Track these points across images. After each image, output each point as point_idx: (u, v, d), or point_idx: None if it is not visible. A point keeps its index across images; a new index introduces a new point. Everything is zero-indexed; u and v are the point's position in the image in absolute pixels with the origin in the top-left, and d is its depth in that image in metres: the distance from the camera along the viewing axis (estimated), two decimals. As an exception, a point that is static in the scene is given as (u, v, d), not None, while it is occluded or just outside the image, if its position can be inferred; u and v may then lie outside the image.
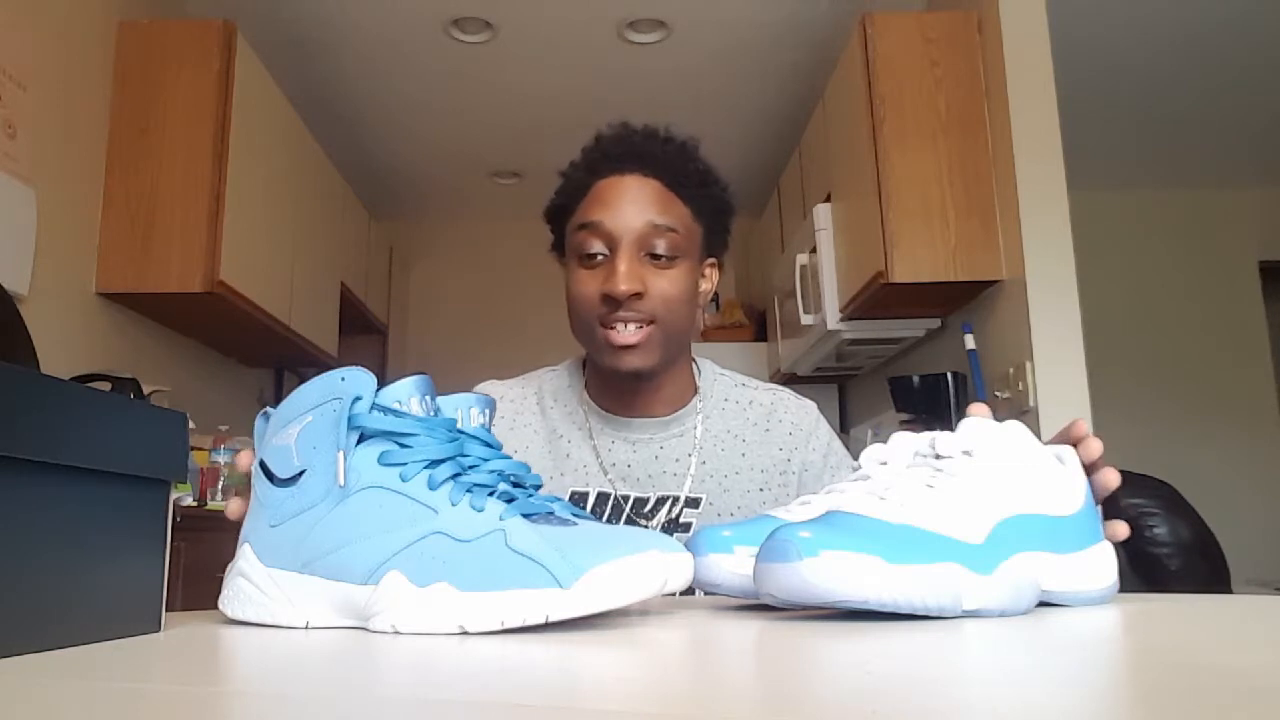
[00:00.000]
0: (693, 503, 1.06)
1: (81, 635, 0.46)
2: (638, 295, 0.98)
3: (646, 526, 1.04)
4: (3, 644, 0.41)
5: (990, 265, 2.56)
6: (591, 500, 1.06)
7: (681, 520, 1.06)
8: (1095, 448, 0.70)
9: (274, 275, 3.13)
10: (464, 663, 0.41)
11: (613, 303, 0.98)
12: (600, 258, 1.01)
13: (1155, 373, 4.41)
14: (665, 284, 1.00)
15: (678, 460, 1.08)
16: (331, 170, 3.80)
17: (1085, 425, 0.71)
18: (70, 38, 2.51)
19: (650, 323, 1.00)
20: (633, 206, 1.00)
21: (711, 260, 1.11)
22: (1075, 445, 0.70)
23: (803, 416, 1.14)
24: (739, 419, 1.12)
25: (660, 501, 1.06)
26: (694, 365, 1.15)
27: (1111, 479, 0.70)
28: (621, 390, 1.08)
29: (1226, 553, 1.78)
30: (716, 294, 4.07)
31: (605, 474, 1.07)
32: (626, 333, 0.99)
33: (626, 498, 1.06)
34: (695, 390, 1.12)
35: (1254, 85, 3.62)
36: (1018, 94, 2.51)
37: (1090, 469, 0.70)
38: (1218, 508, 2.02)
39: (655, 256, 1.00)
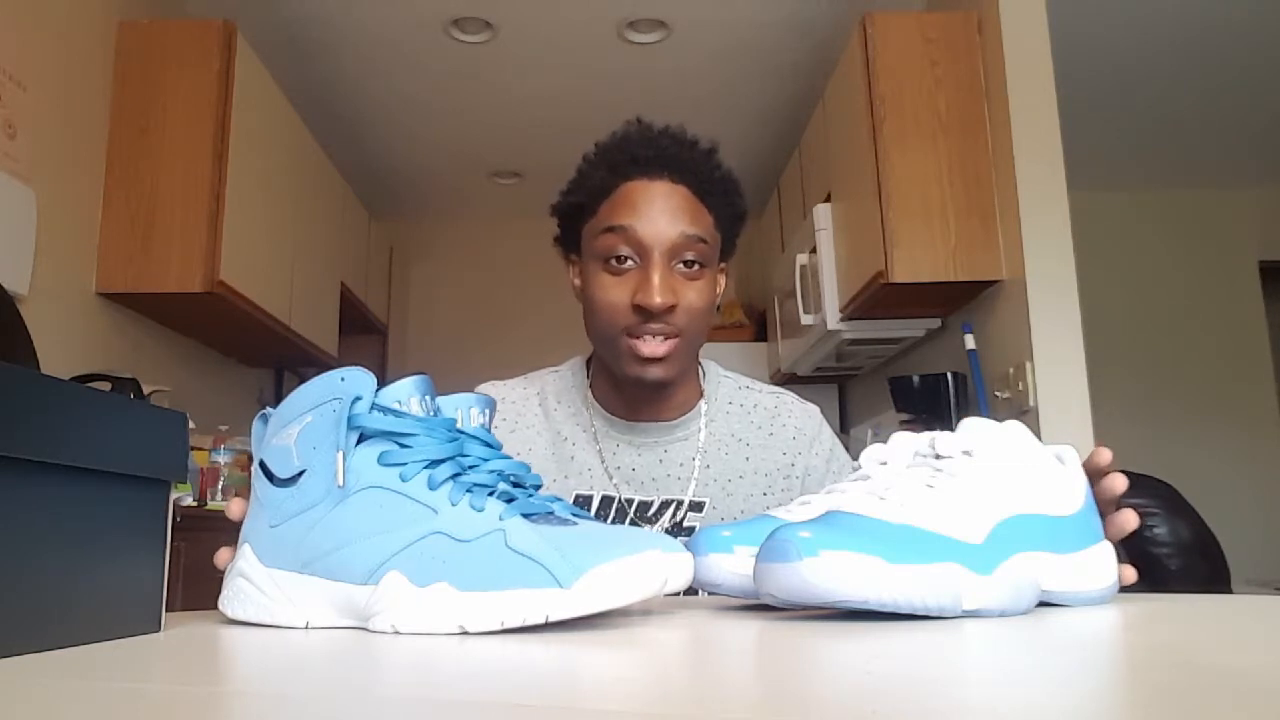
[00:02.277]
0: (696, 506, 1.06)
1: (81, 635, 0.46)
2: (670, 308, 0.97)
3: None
4: (3, 644, 0.41)
5: (990, 265, 2.56)
6: (595, 503, 1.05)
7: (685, 524, 1.05)
8: (1105, 456, 0.71)
9: (274, 275, 3.13)
10: (464, 663, 0.41)
11: (645, 314, 0.97)
12: (629, 263, 0.98)
13: (1155, 373, 4.41)
14: (694, 295, 0.99)
15: (682, 464, 1.07)
16: (331, 170, 3.80)
17: (1107, 454, 0.71)
18: (70, 38, 2.51)
19: (677, 335, 0.99)
20: (665, 215, 0.98)
21: (722, 265, 1.10)
22: (1099, 474, 0.70)
23: (806, 421, 1.13)
24: (743, 422, 1.11)
25: (664, 505, 1.06)
26: (699, 368, 1.14)
27: (1119, 484, 0.70)
28: (632, 396, 1.07)
29: (1226, 553, 1.78)
30: (716, 294, 4.09)
31: (610, 478, 1.07)
32: (654, 344, 0.98)
33: (630, 501, 1.06)
34: (700, 393, 1.12)
35: (1254, 85, 3.62)
36: (1018, 94, 2.51)
37: (1097, 475, 0.70)
38: (1218, 508, 2.02)
39: (686, 266, 0.99)
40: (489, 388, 1.14)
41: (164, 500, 0.53)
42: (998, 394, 2.59)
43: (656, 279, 0.96)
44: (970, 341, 2.71)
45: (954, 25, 2.69)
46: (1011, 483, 0.62)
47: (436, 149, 4.23)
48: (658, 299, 0.95)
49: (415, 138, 4.11)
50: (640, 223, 0.98)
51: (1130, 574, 0.70)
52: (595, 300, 1.01)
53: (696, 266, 0.99)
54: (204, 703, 0.33)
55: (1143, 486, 1.76)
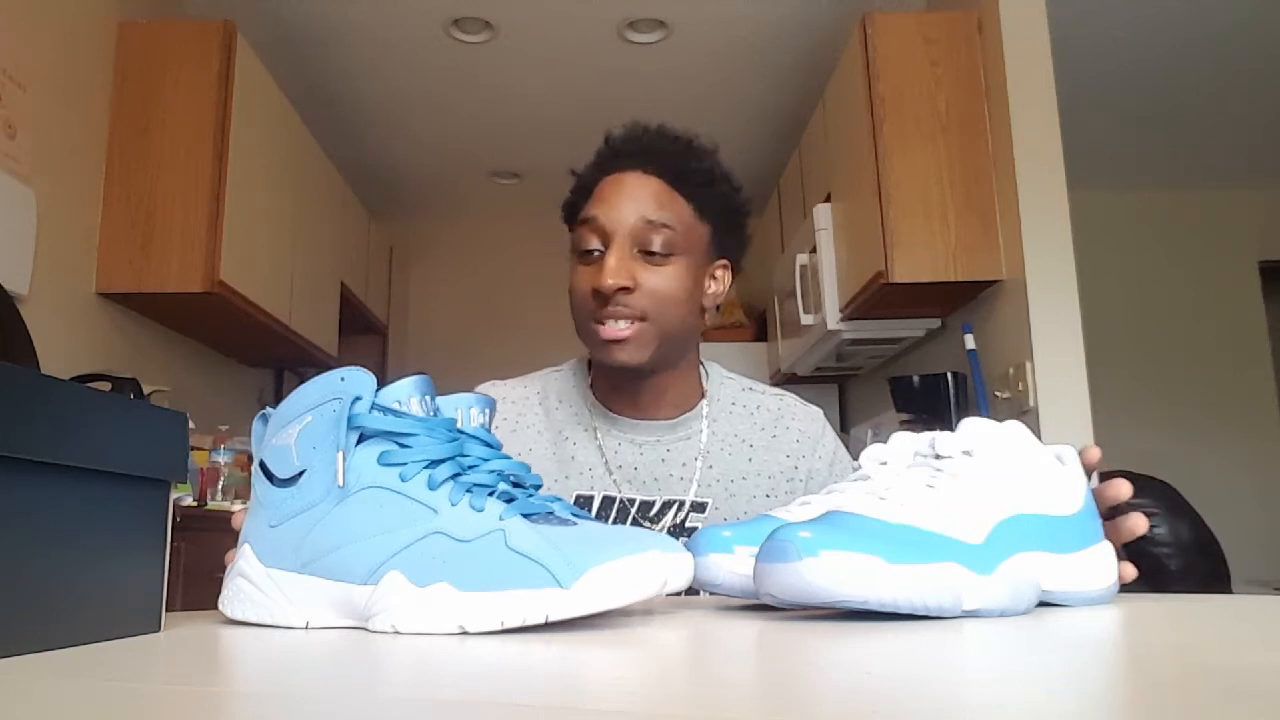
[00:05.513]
0: (699, 507, 1.06)
1: (81, 635, 0.46)
2: (626, 290, 0.98)
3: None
4: (3, 644, 0.41)
5: (990, 265, 2.56)
6: (597, 504, 1.05)
7: (687, 525, 1.05)
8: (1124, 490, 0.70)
9: (274, 275, 3.13)
10: (464, 663, 0.41)
11: (602, 297, 0.98)
12: (596, 253, 1.01)
13: (1155, 373, 4.41)
14: (657, 280, 0.99)
15: (684, 464, 1.07)
16: (331, 170, 3.80)
17: (1096, 452, 0.71)
18: (70, 38, 2.51)
19: (641, 319, 0.99)
20: (629, 202, 1.00)
21: (723, 262, 1.09)
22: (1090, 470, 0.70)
23: (810, 424, 1.13)
24: (746, 423, 1.11)
25: (666, 505, 1.06)
26: (701, 368, 1.14)
27: (1123, 489, 0.70)
28: (626, 390, 1.07)
29: (1226, 553, 1.78)
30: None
31: (610, 475, 1.06)
32: (616, 327, 0.99)
33: (632, 501, 1.05)
34: (702, 393, 1.12)
35: (1254, 85, 3.62)
36: (1018, 94, 2.51)
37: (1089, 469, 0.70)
38: (1218, 508, 2.02)
39: (649, 253, 1.00)
40: (489, 388, 1.14)
41: (164, 500, 0.53)
42: (998, 394, 2.59)
43: (610, 262, 0.98)
44: (970, 341, 2.71)
45: (954, 25, 2.69)
46: (1011, 483, 0.62)
47: (436, 149, 4.23)
48: (608, 280, 0.97)
49: (415, 138, 4.11)
50: (604, 211, 1.00)
51: (1130, 571, 0.70)
52: (570, 291, 1.04)
53: (659, 254, 1.00)
54: (204, 703, 0.33)
55: (1143, 486, 1.76)
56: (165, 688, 0.37)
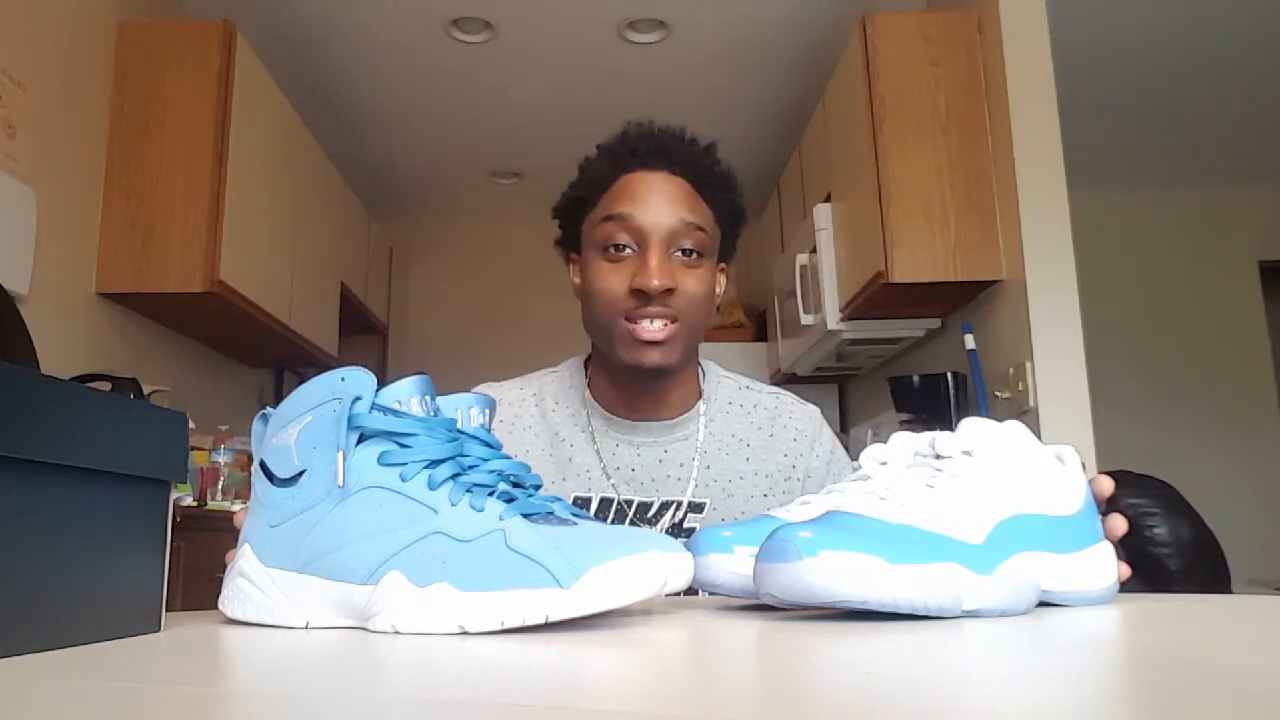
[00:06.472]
0: (696, 508, 1.06)
1: (81, 635, 0.46)
2: (668, 291, 0.98)
3: None
4: (3, 644, 0.41)
5: (990, 265, 2.56)
6: (594, 506, 1.05)
7: (685, 525, 1.05)
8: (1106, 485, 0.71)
9: (274, 275, 3.13)
10: (464, 663, 0.41)
11: (643, 297, 0.98)
12: (628, 251, 1.00)
13: (1155, 373, 4.40)
14: (692, 282, 1.00)
15: (681, 464, 1.07)
16: (331, 170, 3.80)
17: (1109, 484, 0.71)
18: (70, 38, 2.51)
19: (675, 320, 1.00)
20: (664, 203, 1.00)
21: (721, 265, 1.11)
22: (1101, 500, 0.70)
23: (807, 422, 1.13)
24: (743, 422, 1.11)
25: (664, 506, 1.06)
26: (699, 368, 1.14)
27: (1104, 485, 0.70)
28: (629, 391, 1.07)
29: (1226, 553, 1.77)
30: (716, 294, 4.13)
31: (609, 478, 1.06)
32: (653, 328, 0.98)
33: (630, 502, 1.05)
34: (699, 393, 1.12)
35: (1254, 85, 3.61)
36: (1018, 94, 2.51)
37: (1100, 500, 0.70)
38: (1218, 508, 2.02)
39: (684, 254, 1.00)
40: (485, 389, 1.14)
41: (164, 500, 0.53)
42: (998, 394, 2.59)
43: (654, 262, 0.98)
44: (970, 341, 2.71)
45: (954, 25, 2.69)
46: (1011, 483, 0.62)
47: (436, 149, 4.23)
48: (655, 281, 0.97)
49: (415, 138, 4.11)
50: (639, 210, 1.00)
51: (1124, 569, 0.70)
52: (593, 288, 1.02)
53: (695, 255, 1.01)
54: (204, 703, 0.33)
55: (1143, 486, 1.76)
56: (165, 688, 0.37)
